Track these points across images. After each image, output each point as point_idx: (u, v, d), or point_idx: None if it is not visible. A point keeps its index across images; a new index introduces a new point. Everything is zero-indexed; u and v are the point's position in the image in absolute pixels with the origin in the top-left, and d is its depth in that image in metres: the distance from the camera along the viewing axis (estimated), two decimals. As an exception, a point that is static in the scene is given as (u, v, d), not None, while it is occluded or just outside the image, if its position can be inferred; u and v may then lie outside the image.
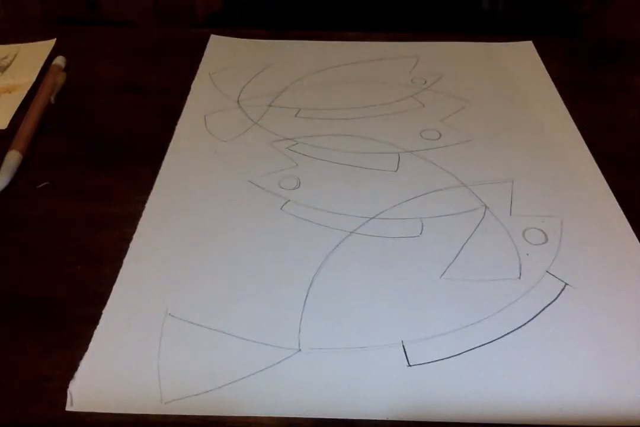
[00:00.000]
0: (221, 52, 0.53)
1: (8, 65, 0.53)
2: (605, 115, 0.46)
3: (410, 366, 0.30)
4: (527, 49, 0.54)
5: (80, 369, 0.29)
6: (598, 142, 0.44)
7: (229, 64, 0.52)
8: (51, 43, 0.56)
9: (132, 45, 0.57)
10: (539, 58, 0.52)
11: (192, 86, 0.49)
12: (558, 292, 0.33)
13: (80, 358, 0.30)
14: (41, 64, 0.53)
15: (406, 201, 0.39)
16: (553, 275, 0.34)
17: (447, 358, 0.30)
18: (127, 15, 0.72)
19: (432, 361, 0.30)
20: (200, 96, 0.48)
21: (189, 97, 0.48)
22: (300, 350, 0.30)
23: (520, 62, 0.53)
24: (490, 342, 0.31)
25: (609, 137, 0.45)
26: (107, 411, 0.28)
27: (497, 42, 0.55)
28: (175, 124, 0.45)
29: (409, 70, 0.51)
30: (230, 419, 0.28)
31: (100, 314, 0.32)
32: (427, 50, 0.54)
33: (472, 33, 0.56)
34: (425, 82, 0.50)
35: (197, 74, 0.51)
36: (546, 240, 0.36)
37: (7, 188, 0.40)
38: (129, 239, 0.36)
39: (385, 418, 0.28)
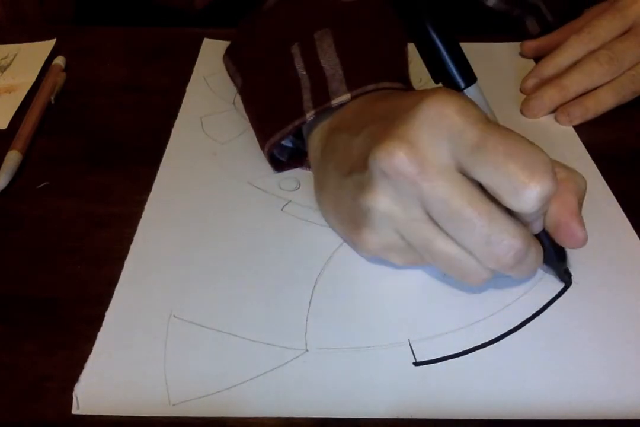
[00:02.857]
0: (214, 55, 0.53)
1: (8, 65, 0.53)
2: (603, 113, 0.46)
3: (417, 364, 0.30)
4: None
5: (85, 371, 0.29)
6: (597, 141, 0.44)
7: (222, 67, 0.51)
8: (51, 43, 0.56)
9: (132, 45, 0.57)
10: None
11: (187, 89, 0.49)
12: (560, 289, 0.33)
13: (81, 358, 0.30)
14: (41, 64, 0.53)
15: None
16: None
17: (454, 356, 0.30)
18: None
19: (439, 359, 0.30)
20: (196, 99, 0.48)
21: (184, 100, 0.48)
22: (307, 350, 0.30)
23: (517, 61, 0.53)
24: (496, 339, 0.31)
25: (608, 136, 0.45)
26: (114, 413, 0.27)
27: (495, 42, 0.55)
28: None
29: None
30: (231, 419, 0.27)
31: (101, 313, 0.32)
32: None
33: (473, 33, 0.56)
34: (421, 80, 0.50)
35: (192, 78, 0.51)
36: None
37: (7, 188, 0.40)
38: (129, 239, 0.36)
39: (393, 416, 0.27)
